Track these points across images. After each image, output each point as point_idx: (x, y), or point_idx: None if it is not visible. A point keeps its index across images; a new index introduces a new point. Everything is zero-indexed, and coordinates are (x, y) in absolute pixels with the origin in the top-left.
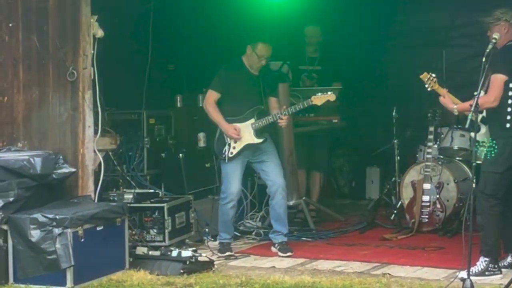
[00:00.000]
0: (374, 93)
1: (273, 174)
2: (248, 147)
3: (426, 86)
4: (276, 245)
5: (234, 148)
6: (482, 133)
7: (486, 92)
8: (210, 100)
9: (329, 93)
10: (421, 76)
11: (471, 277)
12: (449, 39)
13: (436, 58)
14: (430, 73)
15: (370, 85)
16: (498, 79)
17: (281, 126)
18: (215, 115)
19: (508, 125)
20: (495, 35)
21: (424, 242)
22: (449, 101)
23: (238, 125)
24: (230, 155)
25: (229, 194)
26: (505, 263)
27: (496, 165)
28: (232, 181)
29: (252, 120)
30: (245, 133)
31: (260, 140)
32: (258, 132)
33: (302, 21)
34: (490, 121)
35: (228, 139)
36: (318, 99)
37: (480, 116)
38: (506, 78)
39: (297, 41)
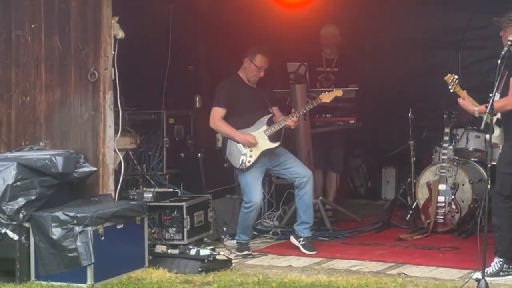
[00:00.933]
0: (390, 94)
1: (298, 167)
2: (264, 153)
3: (450, 87)
4: (302, 239)
5: (251, 156)
6: (497, 135)
7: (501, 94)
8: (217, 116)
9: (335, 89)
10: (445, 78)
11: (486, 278)
12: (465, 40)
13: (451, 59)
14: (453, 75)
15: (387, 87)
16: None
17: (291, 127)
18: (227, 129)
19: None
20: (511, 37)
21: (439, 242)
22: (469, 103)
23: (252, 133)
24: (248, 164)
25: (254, 203)
26: None
27: None
28: (255, 190)
29: (264, 127)
30: (260, 139)
31: (276, 144)
32: (271, 138)
33: (319, 22)
34: (505, 122)
35: (244, 149)
36: (326, 97)
37: (494, 118)
38: None
39: (314, 42)
